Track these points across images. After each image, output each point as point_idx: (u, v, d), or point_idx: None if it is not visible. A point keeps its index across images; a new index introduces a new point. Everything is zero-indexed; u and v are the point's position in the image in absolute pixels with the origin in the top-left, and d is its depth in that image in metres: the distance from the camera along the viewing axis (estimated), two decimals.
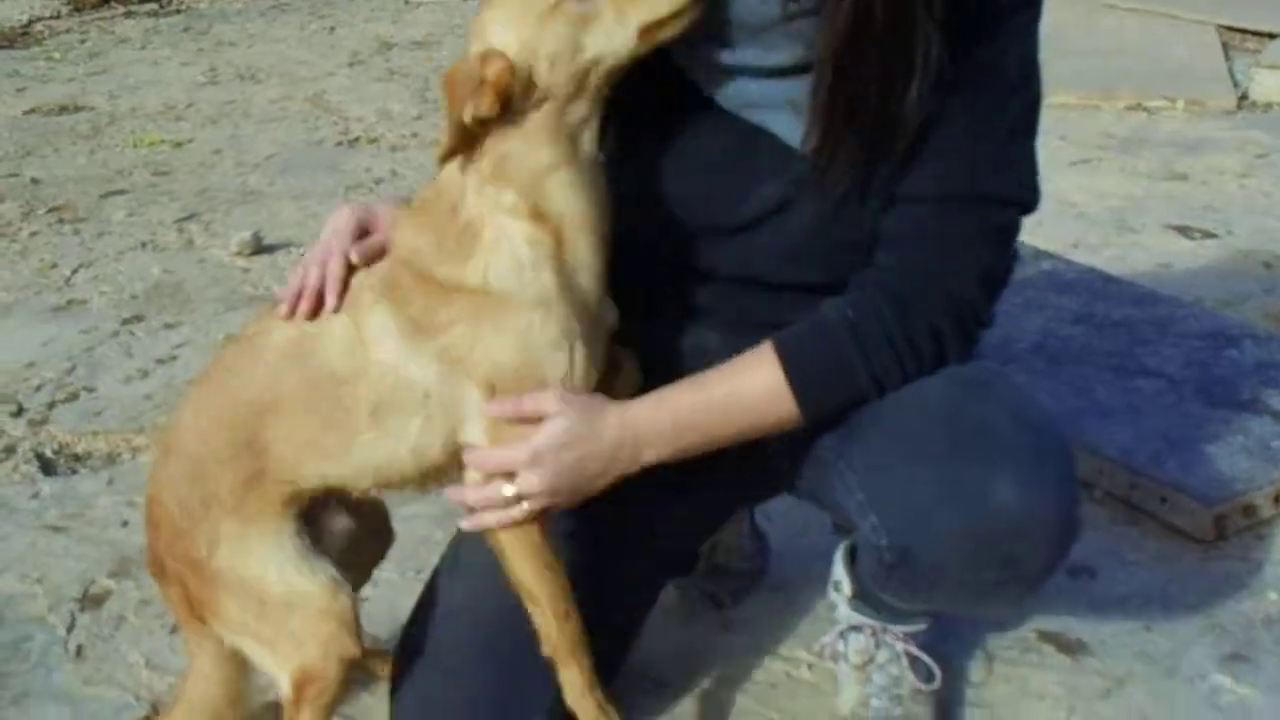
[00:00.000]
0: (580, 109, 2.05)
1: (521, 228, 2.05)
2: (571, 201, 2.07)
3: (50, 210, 6.14)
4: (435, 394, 2.10)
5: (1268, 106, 7.34)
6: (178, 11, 10.87)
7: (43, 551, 3.46)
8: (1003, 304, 2.26)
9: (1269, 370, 3.92)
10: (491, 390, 2.08)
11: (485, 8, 2.04)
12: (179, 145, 7.15)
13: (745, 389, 2.14)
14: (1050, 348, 4.01)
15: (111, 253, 5.59)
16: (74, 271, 5.40)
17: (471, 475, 2.16)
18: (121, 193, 6.38)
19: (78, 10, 10.79)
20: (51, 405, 4.27)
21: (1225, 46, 8.53)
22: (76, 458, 3.99)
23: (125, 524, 3.56)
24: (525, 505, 2.12)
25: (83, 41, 9.90)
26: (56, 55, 9.49)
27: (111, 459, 3.96)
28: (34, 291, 5.22)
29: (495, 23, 2.01)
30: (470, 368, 2.08)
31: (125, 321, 4.90)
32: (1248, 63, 7.98)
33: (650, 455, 2.13)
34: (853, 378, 2.14)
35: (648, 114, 2.20)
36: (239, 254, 5.45)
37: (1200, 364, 3.94)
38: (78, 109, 7.99)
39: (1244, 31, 8.87)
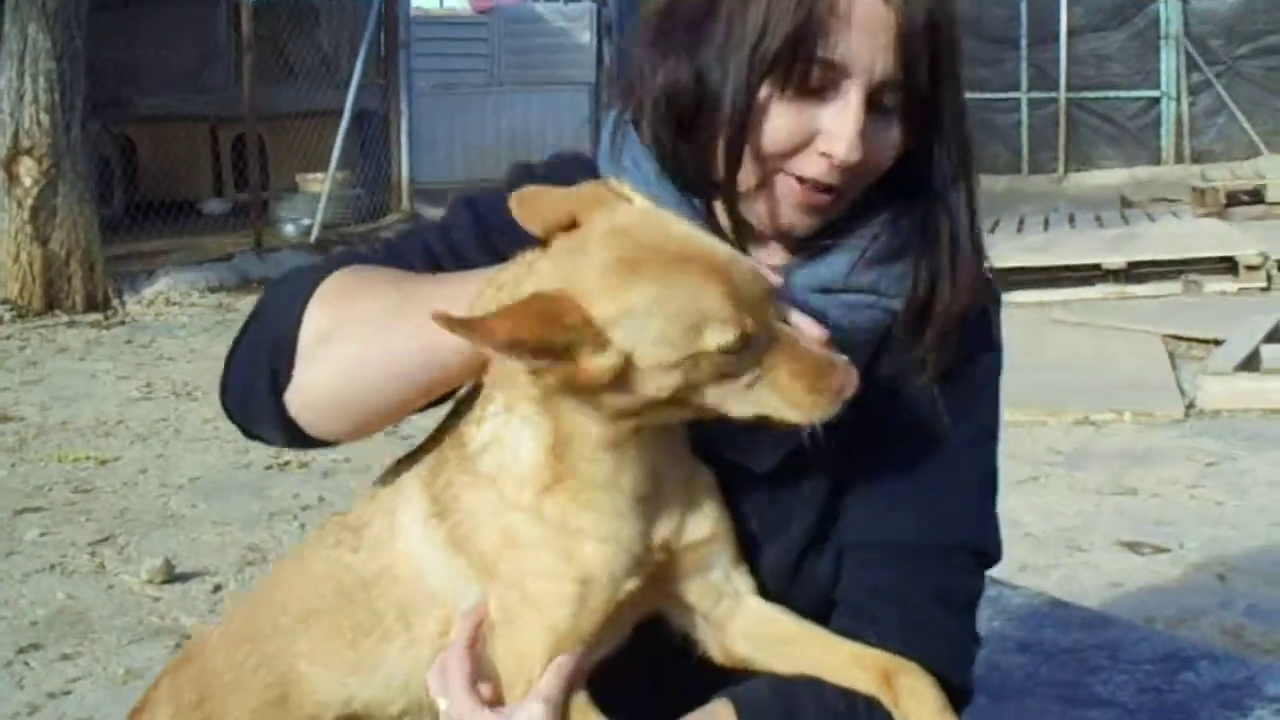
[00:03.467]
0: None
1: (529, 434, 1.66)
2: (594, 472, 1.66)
3: None
4: (441, 587, 1.72)
5: (1215, 414, 7.31)
6: (122, 323, 10.90)
7: None
8: None
9: (1227, 691, 3.72)
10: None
11: (627, 261, 1.55)
12: (104, 463, 7.00)
13: None
14: (992, 681, 3.79)
15: (17, 574, 5.40)
16: None
17: None
18: (38, 510, 6.21)
19: (20, 317, 10.82)
20: None
21: (1172, 355, 8.61)
22: None
23: None
24: None
25: (22, 349, 9.91)
26: None
27: None
28: None
29: (619, 290, 1.53)
30: (472, 553, 1.70)
31: (20, 650, 4.70)
32: (1194, 370, 7.99)
33: None
34: None
35: None
36: (150, 582, 5.27)
37: (1154, 690, 3.75)
38: (6, 419, 7.90)
39: (1189, 340, 8.96)
